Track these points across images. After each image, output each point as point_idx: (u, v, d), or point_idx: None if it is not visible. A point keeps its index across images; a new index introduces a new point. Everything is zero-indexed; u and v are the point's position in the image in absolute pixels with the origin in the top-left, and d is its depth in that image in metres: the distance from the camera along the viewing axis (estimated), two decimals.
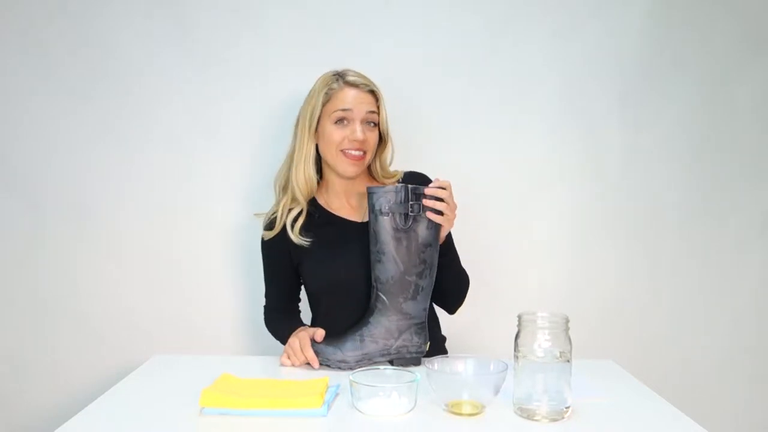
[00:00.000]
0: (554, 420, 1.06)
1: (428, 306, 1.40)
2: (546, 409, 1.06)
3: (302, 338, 1.37)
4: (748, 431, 1.89)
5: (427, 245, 1.34)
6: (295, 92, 1.61)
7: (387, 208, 1.31)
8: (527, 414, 1.08)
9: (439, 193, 1.33)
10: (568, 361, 1.08)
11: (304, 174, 1.47)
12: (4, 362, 1.81)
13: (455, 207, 1.37)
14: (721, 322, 1.88)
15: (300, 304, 1.63)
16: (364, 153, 1.45)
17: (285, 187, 1.52)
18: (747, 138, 1.86)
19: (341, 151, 1.44)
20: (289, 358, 1.37)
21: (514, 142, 1.82)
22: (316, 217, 1.50)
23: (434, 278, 1.38)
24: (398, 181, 1.53)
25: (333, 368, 1.33)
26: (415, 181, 1.51)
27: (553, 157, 1.83)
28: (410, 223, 1.32)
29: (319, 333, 1.38)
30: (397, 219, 1.31)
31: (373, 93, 1.47)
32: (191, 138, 1.79)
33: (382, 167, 1.55)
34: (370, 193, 1.34)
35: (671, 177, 1.85)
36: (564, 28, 1.80)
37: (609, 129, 1.83)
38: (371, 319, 1.34)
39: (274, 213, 1.50)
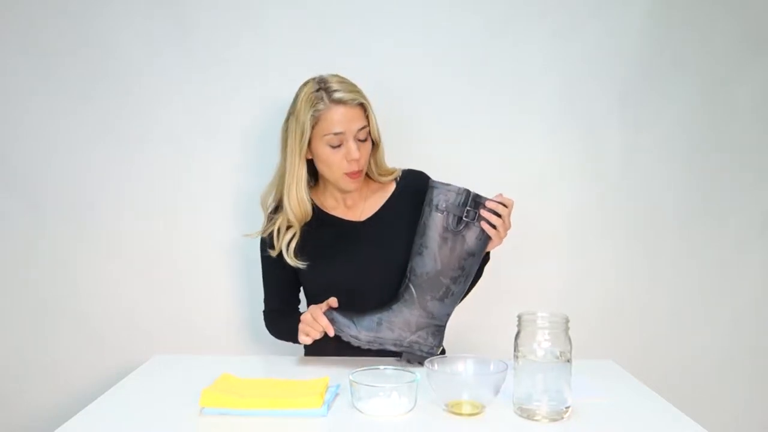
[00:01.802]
0: (554, 420, 1.07)
1: (452, 312, 1.38)
2: (546, 409, 1.07)
3: (313, 310, 1.35)
4: (748, 431, 1.89)
5: (471, 254, 1.33)
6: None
7: (444, 205, 1.31)
8: (527, 414, 1.08)
9: (500, 209, 1.32)
10: (568, 361, 1.08)
11: (297, 199, 1.43)
12: (4, 362, 1.81)
13: (509, 227, 1.36)
14: (721, 322, 1.88)
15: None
16: (361, 171, 1.43)
17: (277, 207, 1.49)
18: (747, 138, 1.86)
19: (345, 172, 1.42)
20: (308, 334, 1.34)
21: (514, 142, 1.82)
22: (313, 218, 1.48)
23: (466, 288, 1.38)
24: (396, 179, 1.53)
25: (343, 339, 1.32)
26: (414, 179, 1.51)
27: (553, 157, 1.83)
28: (461, 227, 1.31)
29: (332, 300, 1.36)
30: (450, 219, 1.31)
31: (362, 105, 1.42)
32: (191, 138, 1.79)
33: (378, 166, 1.52)
34: (431, 187, 1.33)
35: (671, 177, 1.85)
36: (564, 28, 1.80)
37: (609, 129, 1.83)
38: (394, 307, 1.33)
39: (271, 231, 1.47)
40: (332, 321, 1.32)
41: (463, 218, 1.31)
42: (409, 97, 1.78)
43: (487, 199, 1.32)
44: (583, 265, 1.85)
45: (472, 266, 1.35)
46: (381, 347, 1.31)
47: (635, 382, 1.30)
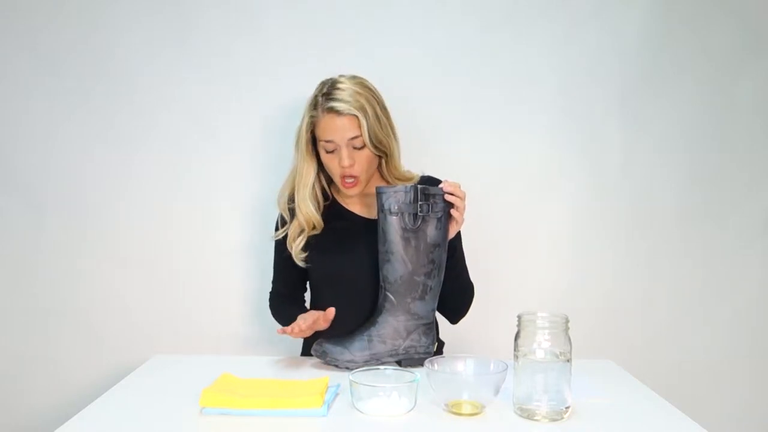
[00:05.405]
0: (554, 420, 1.07)
1: (436, 306, 1.39)
2: (546, 409, 1.07)
3: (308, 315, 1.37)
4: (748, 431, 1.89)
5: (436, 245, 1.34)
6: (295, 92, 1.61)
7: (396, 207, 1.32)
8: (527, 414, 1.08)
9: (456, 191, 1.34)
10: (568, 361, 1.08)
11: (306, 209, 1.46)
12: (4, 362, 1.81)
13: (464, 206, 1.38)
14: (721, 322, 1.88)
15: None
16: (356, 177, 1.43)
17: (293, 209, 1.50)
18: (747, 138, 1.86)
19: (341, 177, 1.44)
20: (291, 328, 1.33)
21: (514, 142, 1.82)
22: (331, 211, 1.50)
23: (442, 278, 1.38)
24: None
25: (341, 368, 1.33)
26: (429, 183, 1.51)
27: (553, 157, 1.83)
28: (419, 223, 1.32)
29: (330, 311, 1.35)
30: (406, 219, 1.32)
31: (356, 116, 1.40)
32: (191, 138, 1.79)
33: (393, 171, 1.51)
34: (379, 193, 1.34)
35: (671, 177, 1.85)
36: (564, 28, 1.80)
37: (609, 129, 1.83)
38: (379, 319, 1.34)
39: (285, 232, 1.50)
40: (324, 353, 1.34)
41: (418, 214, 1.31)
42: (408, 97, 1.77)
43: (434, 189, 1.34)
44: (582, 265, 1.85)
45: (441, 256, 1.36)
46: (378, 362, 1.32)
47: (635, 382, 1.30)
